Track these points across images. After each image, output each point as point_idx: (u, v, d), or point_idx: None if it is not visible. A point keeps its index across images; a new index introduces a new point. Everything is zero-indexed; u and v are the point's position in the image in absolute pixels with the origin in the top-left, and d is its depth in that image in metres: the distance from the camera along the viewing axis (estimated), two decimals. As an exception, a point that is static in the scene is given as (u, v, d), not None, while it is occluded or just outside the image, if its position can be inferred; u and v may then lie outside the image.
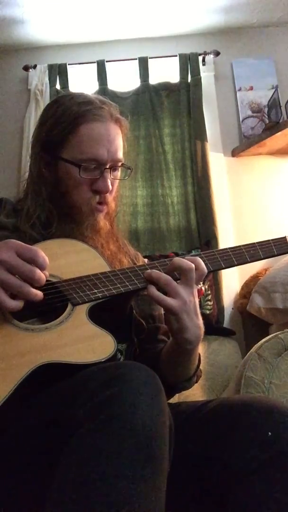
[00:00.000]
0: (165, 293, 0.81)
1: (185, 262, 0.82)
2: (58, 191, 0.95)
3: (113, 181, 0.96)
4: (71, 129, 0.91)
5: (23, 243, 0.73)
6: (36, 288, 0.73)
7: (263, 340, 1.17)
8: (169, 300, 0.80)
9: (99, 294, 0.80)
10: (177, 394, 0.97)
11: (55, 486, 0.56)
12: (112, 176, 0.95)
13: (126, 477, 0.54)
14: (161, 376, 0.86)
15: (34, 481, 0.65)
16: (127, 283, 0.83)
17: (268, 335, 1.20)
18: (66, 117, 0.92)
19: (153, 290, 0.82)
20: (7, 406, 0.64)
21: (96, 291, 0.80)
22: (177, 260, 0.82)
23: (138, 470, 0.55)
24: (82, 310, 0.78)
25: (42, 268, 0.73)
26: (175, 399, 0.95)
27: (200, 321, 0.84)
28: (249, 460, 0.70)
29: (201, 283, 1.81)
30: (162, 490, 0.58)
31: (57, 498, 0.55)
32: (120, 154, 0.95)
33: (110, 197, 0.97)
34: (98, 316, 0.79)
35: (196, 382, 0.95)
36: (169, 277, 0.81)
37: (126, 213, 2.11)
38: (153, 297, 0.81)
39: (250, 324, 2.01)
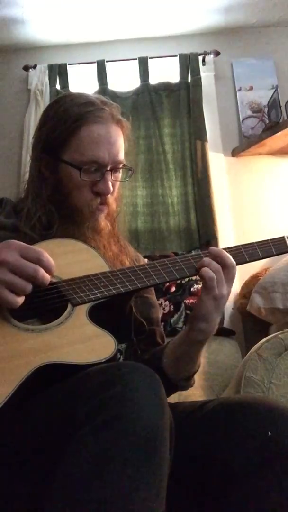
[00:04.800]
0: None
1: (231, 259, 0.86)
2: (59, 192, 0.95)
3: (114, 182, 0.96)
4: (71, 131, 0.90)
5: (26, 244, 0.73)
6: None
7: (263, 340, 1.17)
8: (216, 285, 0.84)
9: (99, 295, 0.80)
10: (177, 394, 0.97)
11: (55, 485, 0.56)
12: (113, 178, 0.95)
13: (126, 477, 0.54)
14: (162, 374, 0.86)
15: (34, 481, 0.65)
16: (127, 283, 0.83)
17: (268, 335, 1.20)
18: (67, 119, 0.91)
19: (207, 271, 0.85)
20: (8, 407, 0.64)
21: (96, 291, 0.80)
22: (224, 253, 0.86)
23: (139, 470, 0.55)
24: (82, 311, 0.78)
25: (47, 269, 0.73)
26: (175, 399, 0.95)
27: (218, 320, 0.88)
28: (249, 460, 0.70)
29: (201, 282, 1.81)
30: (162, 490, 0.58)
31: (57, 497, 0.55)
32: (121, 156, 0.94)
33: (111, 198, 0.96)
34: (98, 316, 0.79)
35: (191, 386, 0.96)
36: (219, 267, 0.85)
37: (126, 213, 2.11)
38: (207, 276, 0.84)
39: (250, 324, 2.01)
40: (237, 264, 0.89)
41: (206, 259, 0.86)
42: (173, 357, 0.90)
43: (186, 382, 0.92)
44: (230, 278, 0.86)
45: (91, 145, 0.90)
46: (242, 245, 0.93)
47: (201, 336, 0.86)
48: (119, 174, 0.98)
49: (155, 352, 0.95)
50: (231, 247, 0.92)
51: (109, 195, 0.95)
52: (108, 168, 0.92)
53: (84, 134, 0.90)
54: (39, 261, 0.72)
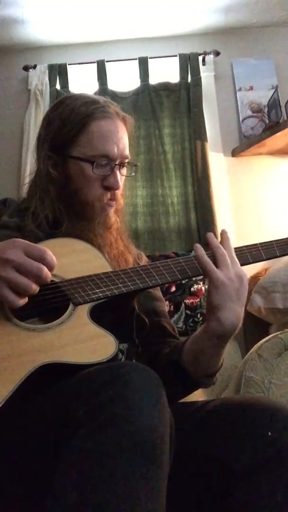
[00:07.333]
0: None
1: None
2: (67, 190, 0.95)
3: (121, 177, 0.98)
4: (80, 128, 0.92)
5: (30, 242, 0.73)
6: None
7: (263, 340, 1.17)
8: (215, 269, 0.83)
9: (100, 294, 0.80)
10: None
11: (55, 486, 0.56)
12: (120, 173, 0.96)
13: (127, 478, 0.54)
14: (181, 369, 0.86)
15: (34, 482, 0.65)
16: (129, 283, 0.83)
17: (268, 335, 1.20)
18: (75, 117, 0.93)
19: (202, 254, 0.86)
20: (8, 406, 0.64)
21: (97, 291, 0.80)
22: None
23: (139, 470, 0.55)
24: (83, 310, 0.78)
25: (50, 267, 0.73)
26: (175, 399, 0.95)
27: (241, 311, 0.83)
28: (249, 460, 0.70)
29: (201, 282, 1.81)
30: (163, 490, 0.58)
31: (58, 498, 0.55)
32: (127, 151, 0.97)
33: (119, 193, 0.98)
34: (99, 316, 0.79)
35: (214, 384, 0.93)
36: (224, 251, 0.85)
37: (126, 213, 2.11)
38: (201, 261, 0.84)
39: (250, 324, 2.01)
40: (241, 265, 0.89)
41: (215, 241, 0.88)
42: (192, 352, 0.86)
43: (207, 380, 0.89)
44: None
45: (101, 139, 0.92)
46: (245, 246, 0.93)
47: (219, 328, 0.81)
48: (125, 170, 1.00)
49: (175, 347, 0.93)
50: (234, 248, 0.92)
51: (118, 190, 0.96)
52: (117, 163, 0.94)
53: (94, 129, 0.92)
54: (42, 259, 0.72)
